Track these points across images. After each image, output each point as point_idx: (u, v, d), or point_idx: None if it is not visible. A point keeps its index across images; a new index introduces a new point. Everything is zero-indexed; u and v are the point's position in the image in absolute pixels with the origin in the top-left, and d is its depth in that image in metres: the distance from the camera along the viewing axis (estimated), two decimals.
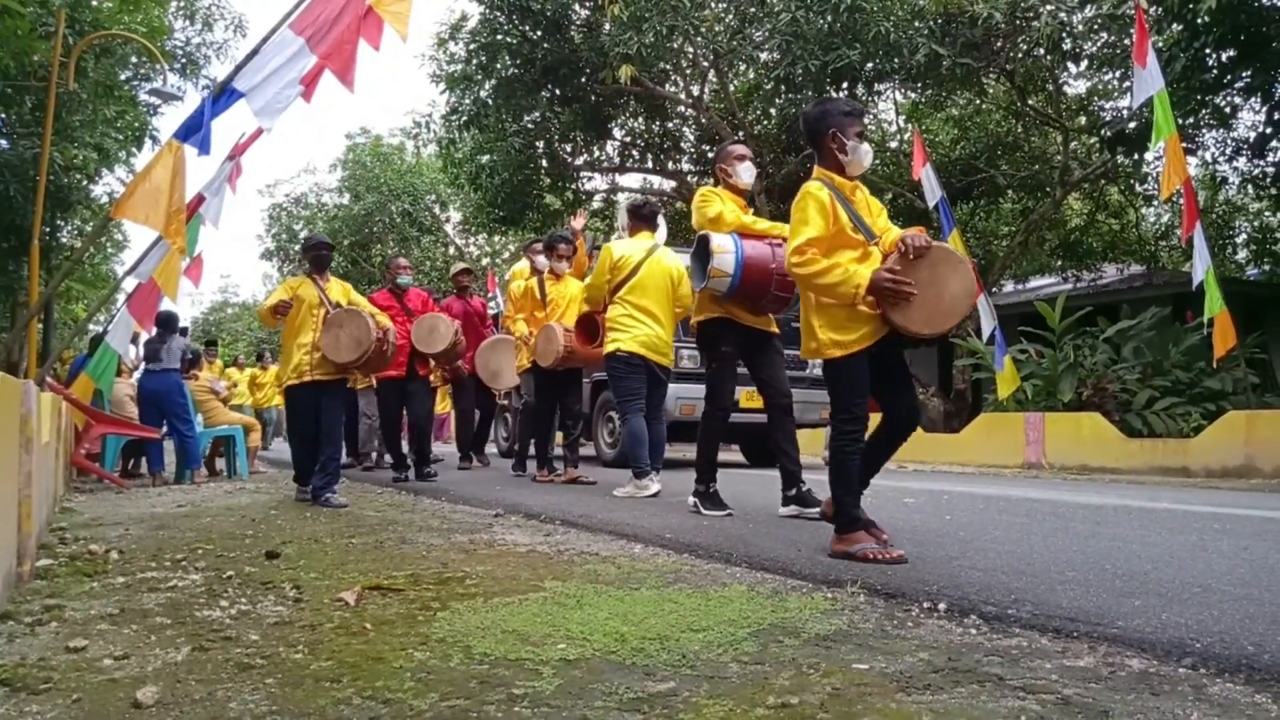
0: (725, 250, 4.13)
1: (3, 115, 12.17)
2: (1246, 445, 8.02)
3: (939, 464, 10.24)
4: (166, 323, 8.00)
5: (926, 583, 2.72)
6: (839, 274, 3.15)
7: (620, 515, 4.50)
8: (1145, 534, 3.85)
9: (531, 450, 7.29)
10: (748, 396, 7.25)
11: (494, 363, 7.66)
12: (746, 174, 4.58)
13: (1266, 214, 17.39)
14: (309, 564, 3.32)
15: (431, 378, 7.66)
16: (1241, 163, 13.20)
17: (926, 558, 3.17)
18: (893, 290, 3.10)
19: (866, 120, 4.17)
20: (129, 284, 7.22)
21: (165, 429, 7.88)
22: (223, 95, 4.74)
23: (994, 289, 14.66)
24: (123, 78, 14.37)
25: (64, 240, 15.49)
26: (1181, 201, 8.75)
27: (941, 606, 2.48)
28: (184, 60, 16.25)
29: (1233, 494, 6.42)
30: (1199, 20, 8.99)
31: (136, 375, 8.64)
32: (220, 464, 9.09)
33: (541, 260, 7.06)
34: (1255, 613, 2.32)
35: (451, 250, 27.20)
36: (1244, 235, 18.18)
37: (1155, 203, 16.28)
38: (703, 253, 4.24)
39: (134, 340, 9.05)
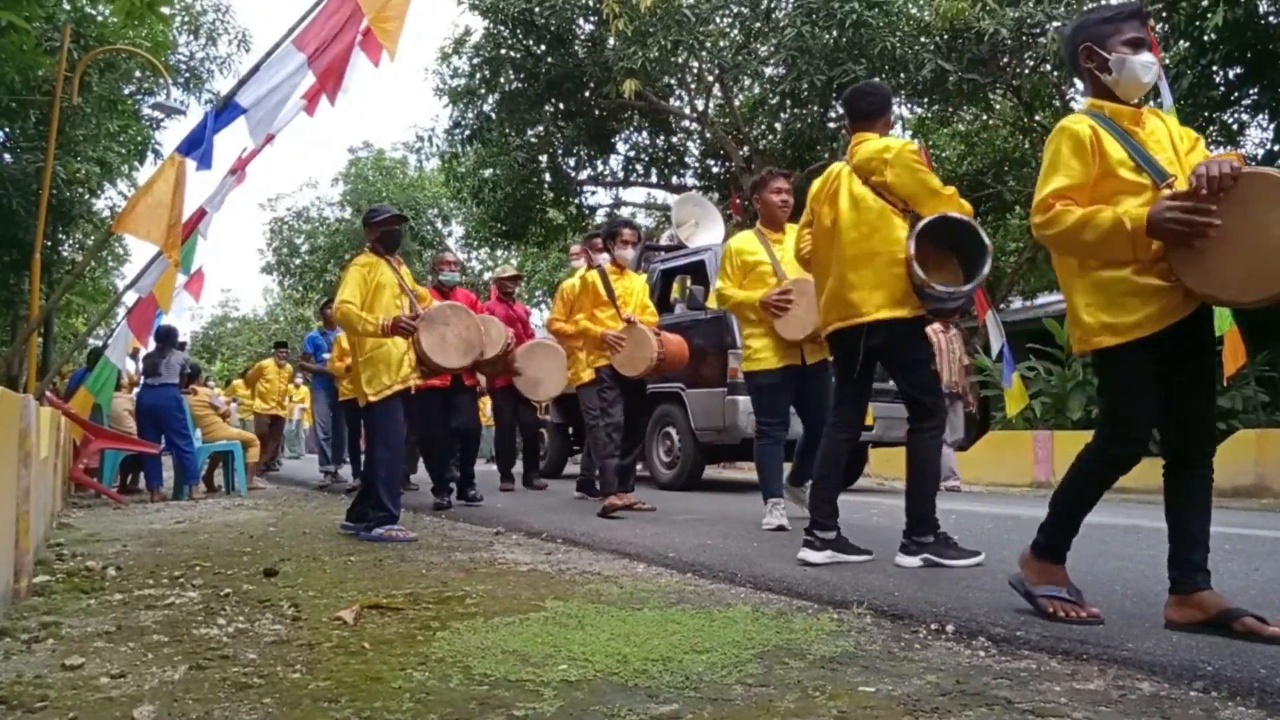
0: (989, 249, 3.30)
1: (6, 129, 12.21)
2: (1257, 464, 7.95)
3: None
4: (166, 337, 7.98)
5: (934, 604, 2.67)
6: (1104, 218, 2.26)
7: (623, 534, 4.45)
8: (1155, 554, 3.78)
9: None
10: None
11: (533, 369, 6.58)
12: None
13: None
14: (307, 582, 3.28)
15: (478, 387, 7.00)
16: None
17: (933, 579, 3.12)
18: (1182, 225, 2.14)
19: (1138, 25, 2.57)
20: (129, 298, 7.20)
21: (164, 444, 7.84)
22: (225, 110, 4.73)
23: (1002, 305, 14.63)
24: (126, 92, 14.43)
25: (65, 254, 15.51)
26: None
27: (949, 628, 2.43)
28: (187, 75, 16.34)
29: (1244, 514, 6.36)
30: (1206, 38, 9.00)
31: (135, 390, 8.62)
32: (219, 479, 9.05)
33: (603, 257, 6.10)
34: None
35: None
36: None
37: None
38: (950, 236, 3.30)
39: (133, 355, 9.04)
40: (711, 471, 9.80)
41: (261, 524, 5.45)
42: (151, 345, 7.81)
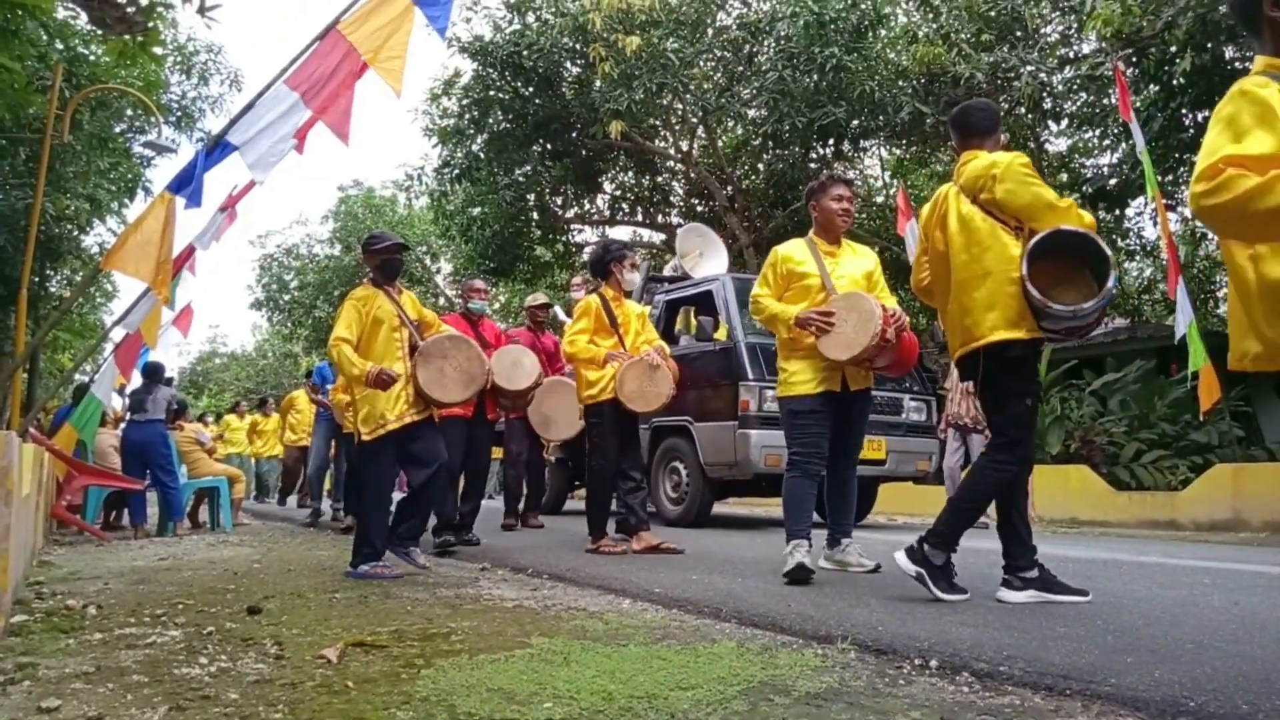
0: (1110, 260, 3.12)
1: None
2: (1234, 499, 8.03)
3: (928, 516, 10.18)
4: (153, 373, 7.97)
5: (917, 639, 2.69)
6: None
7: (608, 570, 4.45)
8: (1136, 589, 3.83)
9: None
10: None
11: (547, 406, 6.25)
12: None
13: None
14: (291, 620, 3.26)
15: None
16: None
17: (917, 613, 3.14)
18: None
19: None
20: (117, 334, 7.20)
21: (148, 480, 7.78)
22: (216, 149, 4.79)
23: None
24: (118, 130, 14.51)
25: (53, 290, 15.48)
26: (1164, 257, 8.90)
27: (933, 664, 2.45)
28: (179, 113, 16.47)
29: (1222, 548, 6.41)
30: (1175, 82, 9.25)
31: (121, 426, 8.56)
32: (204, 515, 8.97)
33: (633, 276, 5.71)
34: (1249, 670, 2.30)
35: (442, 301, 27.29)
36: (1224, 290, 18.43)
37: (1137, 257, 16.53)
38: (1073, 249, 3.14)
39: (120, 391, 8.99)
40: (720, 508, 9.57)
41: (246, 560, 5.40)
42: (138, 381, 7.78)
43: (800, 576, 3.82)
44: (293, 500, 12.30)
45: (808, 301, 4.05)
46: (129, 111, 14.37)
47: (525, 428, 6.83)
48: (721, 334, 7.23)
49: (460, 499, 6.19)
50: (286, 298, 26.22)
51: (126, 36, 6.89)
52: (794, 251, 4.19)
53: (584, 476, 8.43)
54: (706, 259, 8.91)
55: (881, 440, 7.11)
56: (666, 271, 8.98)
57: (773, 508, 10.64)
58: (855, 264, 4.22)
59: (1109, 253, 3.13)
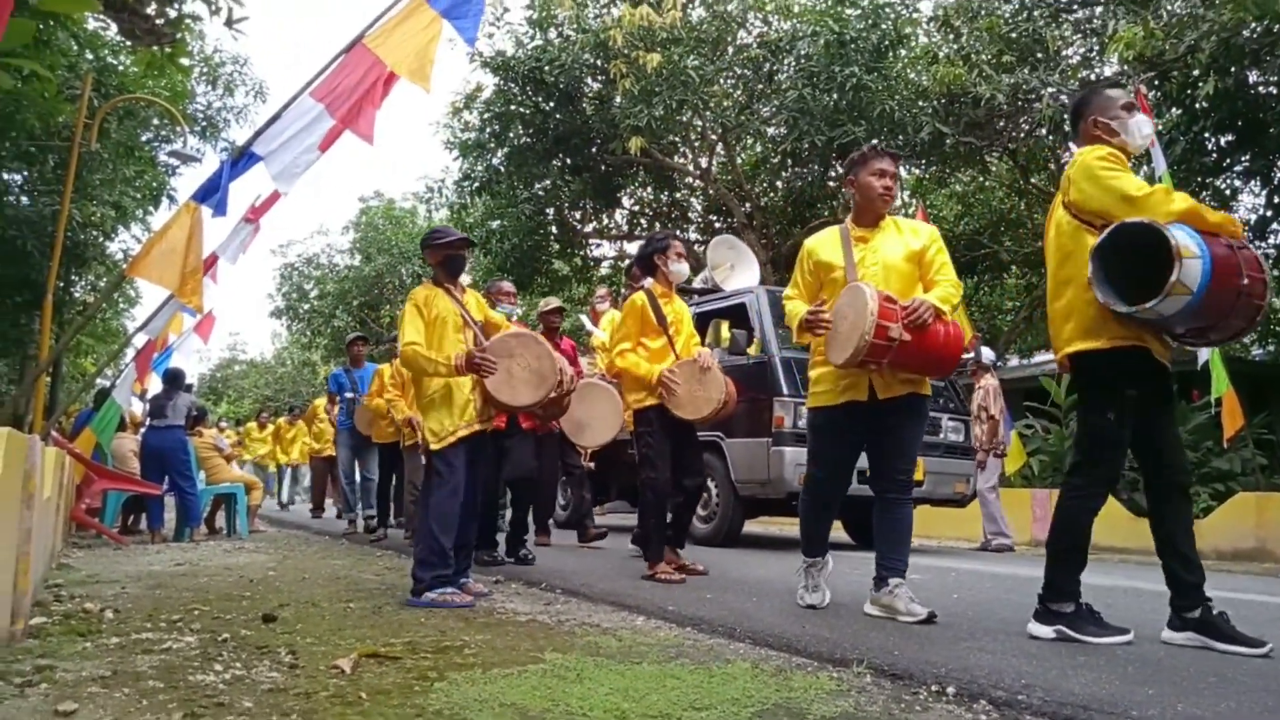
0: (1192, 253, 2.71)
1: (25, 173, 12.44)
2: (1258, 528, 7.92)
3: (944, 538, 10.10)
4: (174, 379, 8.05)
5: (934, 664, 2.66)
6: None
7: (622, 586, 4.44)
8: (1157, 618, 3.77)
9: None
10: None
11: (580, 411, 5.88)
12: (1140, 132, 3.15)
13: (1270, 295, 17.51)
14: (306, 628, 3.27)
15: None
16: None
17: (934, 638, 3.11)
18: None
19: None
20: (139, 340, 7.29)
21: (166, 485, 7.84)
22: (241, 159, 4.85)
23: (999, 363, 14.69)
24: (144, 139, 14.73)
25: (77, 295, 15.68)
26: None
27: (950, 690, 2.42)
28: (204, 123, 16.69)
29: (1246, 578, 6.32)
30: (1198, 105, 9.22)
31: (141, 431, 8.64)
32: (220, 522, 9.02)
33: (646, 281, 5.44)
34: (1274, 705, 2.26)
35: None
36: None
37: None
38: (1121, 253, 2.87)
39: (140, 396, 9.08)
40: (752, 527, 9.33)
41: (261, 568, 5.42)
42: (158, 387, 7.86)
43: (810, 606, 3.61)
44: (330, 512, 12.04)
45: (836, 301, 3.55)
46: (155, 121, 14.58)
47: (557, 442, 6.61)
48: (754, 348, 7.10)
49: (510, 515, 5.98)
50: (306, 307, 26.43)
51: (155, 48, 7.00)
52: (822, 243, 3.69)
53: (610, 489, 8.22)
54: (738, 271, 8.67)
55: (919, 461, 6.99)
56: (696, 283, 8.76)
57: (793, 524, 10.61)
58: (895, 245, 3.57)
59: (1172, 239, 2.71)
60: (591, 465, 7.53)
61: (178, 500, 7.92)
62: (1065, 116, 11.04)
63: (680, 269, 5.01)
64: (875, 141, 3.55)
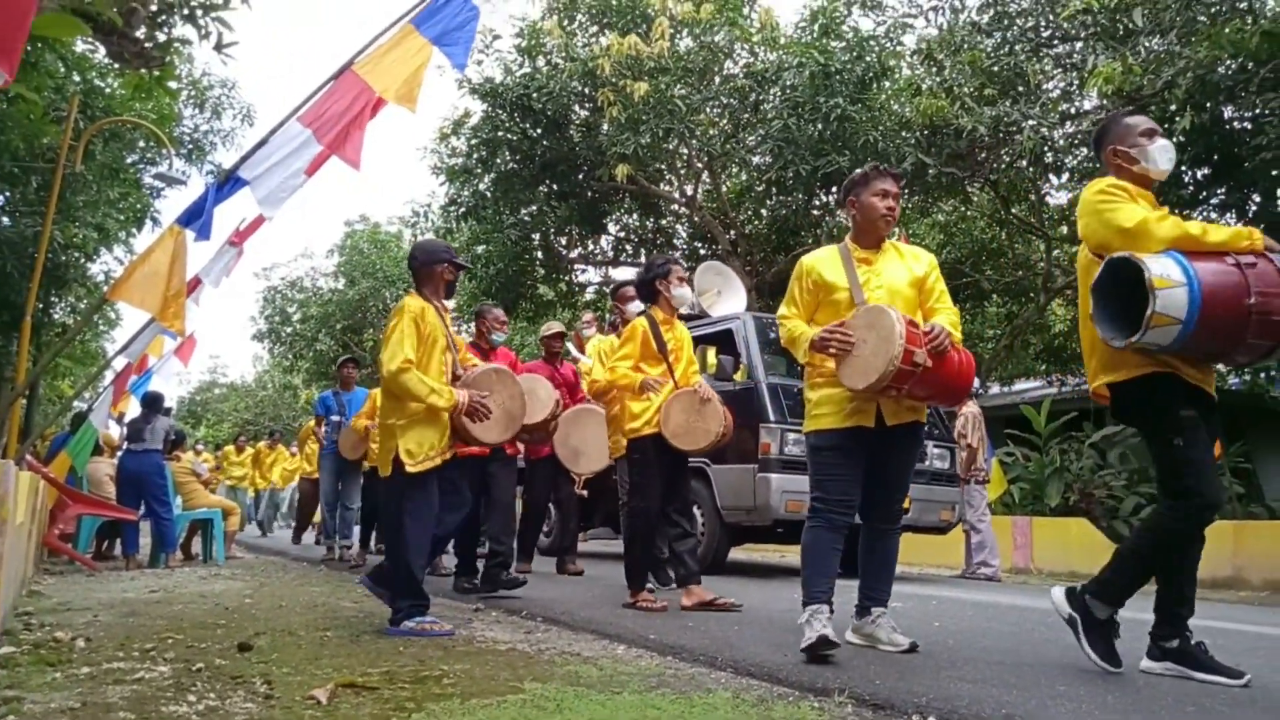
0: (1172, 282, 2.69)
1: (7, 194, 12.36)
2: (1234, 556, 7.98)
3: (925, 566, 10.11)
4: (152, 403, 7.97)
5: (915, 694, 2.65)
6: None
7: (603, 614, 4.41)
8: (1137, 647, 3.78)
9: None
10: None
11: (575, 438, 5.93)
12: (1163, 157, 3.11)
13: None
14: (282, 658, 3.22)
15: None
16: None
17: (915, 666, 3.10)
18: None
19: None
20: (119, 363, 7.22)
21: (142, 510, 7.73)
22: (227, 183, 4.85)
23: (980, 391, 14.80)
24: (129, 161, 14.68)
25: (56, 317, 15.54)
26: None
27: (931, 719, 2.42)
28: (190, 146, 16.66)
29: (1224, 606, 6.35)
30: (1175, 139, 9.37)
31: (118, 454, 8.53)
32: (196, 547, 8.90)
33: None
34: None
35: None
36: None
37: None
38: (1120, 286, 2.84)
39: (119, 419, 8.98)
40: (737, 554, 9.27)
41: (237, 595, 5.35)
42: (136, 410, 7.78)
43: (822, 652, 3.12)
44: (308, 537, 11.88)
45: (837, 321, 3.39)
46: (141, 143, 14.55)
47: (549, 467, 6.50)
48: (741, 374, 7.11)
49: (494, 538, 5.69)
50: (289, 330, 26.29)
51: (143, 71, 7.01)
52: (822, 261, 3.51)
53: (595, 516, 8.12)
54: (725, 297, 8.68)
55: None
56: (683, 310, 8.74)
57: (789, 554, 10.57)
58: (898, 270, 3.46)
59: (1146, 272, 2.70)
60: (585, 493, 7.42)
61: (153, 526, 7.81)
62: (1046, 149, 11.25)
63: (683, 294, 4.93)
64: (877, 163, 3.28)
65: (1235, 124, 9.72)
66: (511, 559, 5.59)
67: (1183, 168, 10.26)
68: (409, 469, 3.82)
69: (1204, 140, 9.49)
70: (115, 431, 9.62)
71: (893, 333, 3.09)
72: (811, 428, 3.46)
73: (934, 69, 11.89)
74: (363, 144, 4.70)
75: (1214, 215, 11.86)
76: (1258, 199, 10.12)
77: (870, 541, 3.52)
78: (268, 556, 9.60)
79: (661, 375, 4.70)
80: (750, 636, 3.74)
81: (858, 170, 3.63)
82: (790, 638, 3.67)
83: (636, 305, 5.53)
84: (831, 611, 3.28)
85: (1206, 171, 10.40)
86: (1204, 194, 10.76)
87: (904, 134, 11.71)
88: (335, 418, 8.08)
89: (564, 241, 16.73)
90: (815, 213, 14.29)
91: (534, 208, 15.06)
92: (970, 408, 8.38)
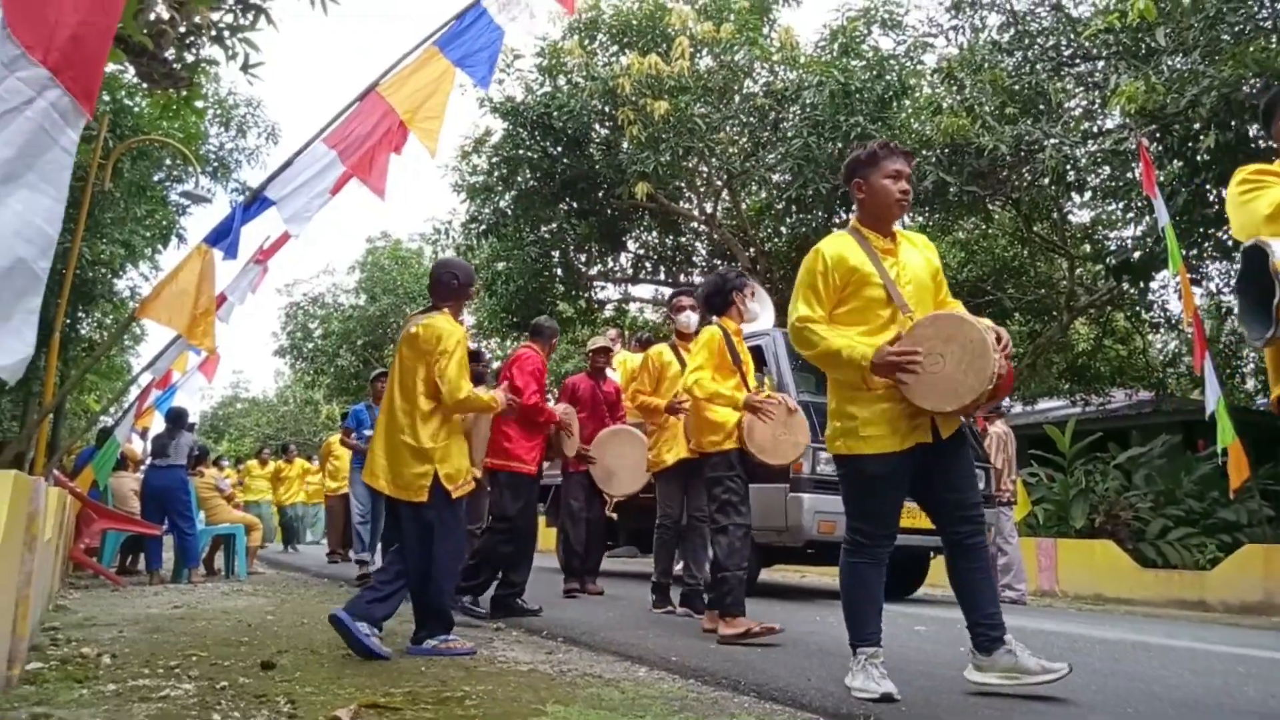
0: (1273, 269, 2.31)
1: None
2: (1266, 580, 7.83)
3: (949, 589, 9.98)
4: (177, 419, 8.05)
5: (942, 719, 2.62)
6: None
7: (624, 635, 4.39)
8: (1166, 674, 3.72)
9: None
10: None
11: (610, 458, 5.79)
12: None
13: None
14: (305, 676, 3.23)
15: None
16: None
17: (940, 691, 3.06)
18: None
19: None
20: (145, 379, 7.31)
21: (165, 525, 7.80)
22: (254, 203, 4.90)
23: (1004, 410, 14.67)
24: (156, 178, 14.92)
25: (83, 332, 15.75)
26: (1191, 331, 8.86)
27: None
28: (216, 164, 16.92)
29: (1255, 633, 6.23)
30: (1199, 158, 9.31)
31: (142, 469, 8.62)
32: (219, 562, 8.96)
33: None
34: None
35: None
36: (1251, 365, 18.29)
37: (1162, 330, 16.45)
38: (1263, 277, 2.41)
39: (143, 434, 9.06)
40: (767, 575, 8.99)
41: (260, 611, 5.37)
42: (160, 425, 7.86)
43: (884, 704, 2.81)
44: (317, 550, 11.82)
45: (871, 323, 2.98)
46: (168, 161, 14.78)
47: (585, 480, 6.29)
48: (769, 388, 6.97)
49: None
50: (310, 346, 26.51)
51: (171, 91, 7.12)
52: (844, 249, 3.06)
53: (619, 534, 7.81)
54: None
55: None
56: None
57: (809, 574, 10.48)
58: (918, 260, 3.14)
59: (1273, 256, 2.28)
60: (615, 515, 7.21)
61: (176, 541, 7.88)
62: (1068, 167, 11.19)
63: (755, 308, 4.75)
64: (885, 140, 2.89)
65: (1260, 142, 9.63)
66: (524, 588, 5.35)
67: (1207, 186, 10.17)
68: (453, 494, 3.86)
69: (1229, 158, 9.40)
70: (138, 446, 9.71)
71: (985, 347, 2.76)
72: (860, 450, 2.98)
73: (954, 88, 11.86)
74: (387, 170, 4.74)
75: None
76: None
77: (965, 560, 3.05)
78: (289, 572, 9.64)
79: (735, 387, 4.45)
80: (775, 659, 3.71)
81: (862, 148, 3.20)
82: (814, 662, 3.64)
83: (689, 316, 5.43)
84: (883, 655, 3.03)
85: None
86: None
87: (925, 152, 11.68)
88: (368, 432, 8.03)
89: (584, 259, 16.80)
90: (834, 230, 14.28)
91: (554, 225, 15.14)
92: (998, 427, 8.29)
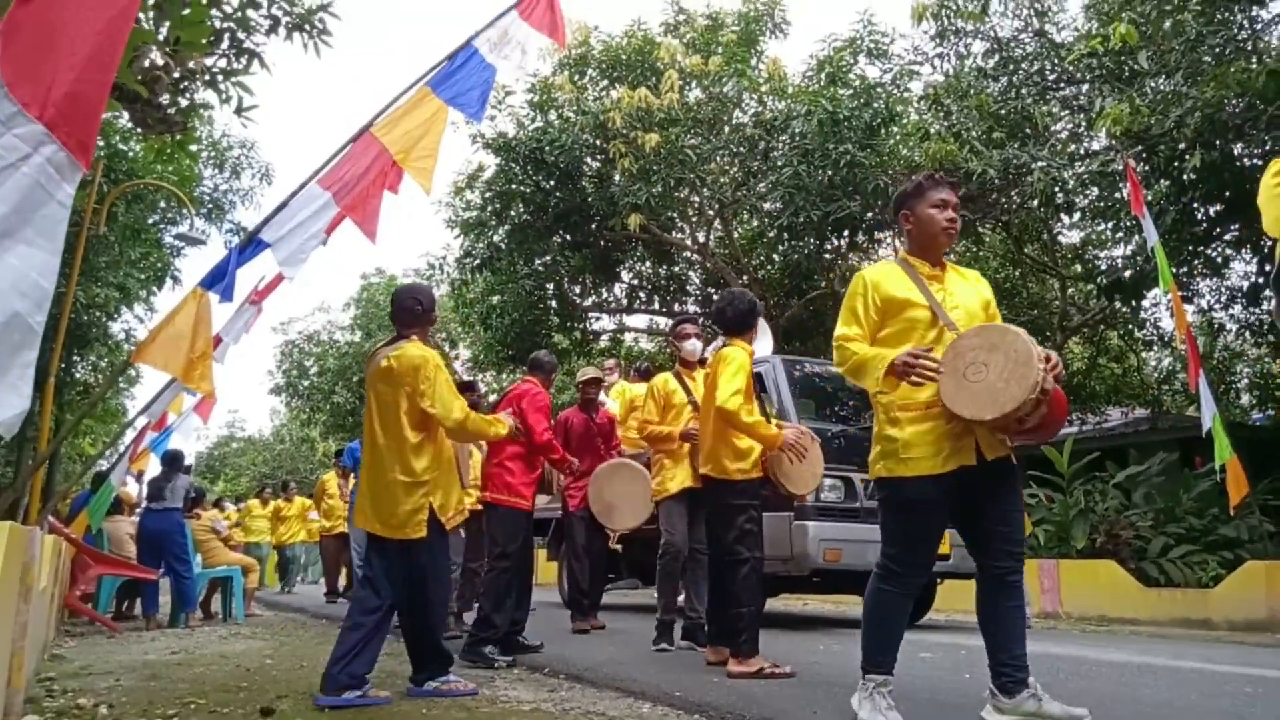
0: None
1: None
2: (1269, 597, 7.79)
3: (953, 613, 9.92)
4: (173, 461, 8.01)
5: None
6: None
7: (626, 670, 4.34)
8: (1174, 697, 3.69)
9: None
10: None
11: (609, 492, 5.74)
12: None
13: (1266, 360, 17.62)
14: None
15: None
16: (1237, 310, 13.50)
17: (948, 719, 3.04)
18: None
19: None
20: (140, 423, 7.28)
21: (162, 569, 7.74)
22: (249, 246, 4.92)
23: None
24: (150, 221, 14.99)
25: (79, 375, 15.73)
26: (1184, 348, 8.90)
27: None
28: (210, 205, 17.01)
29: (1260, 651, 6.19)
30: (1185, 177, 9.41)
31: (138, 513, 8.57)
32: (215, 605, 8.87)
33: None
34: None
35: None
36: (1245, 380, 18.35)
37: (1155, 347, 16.51)
38: None
39: (138, 477, 9.02)
40: (772, 604, 9.10)
41: (258, 655, 5.32)
42: (156, 468, 7.83)
43: None
44: (315, 590, 11.74)
45: (916, 344, 2.93)
46: (162, 204, 14.87)
47: (587, 515, 6.19)
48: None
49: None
50: (306, 383, 26.46)
51: (166, 135, 7.17)
52: (888, 277, 3.08)
53: (620, 566, 7.72)
54: (754, 341, 8.72)
55: (946, 534, 6.68)
56: (707, 354, 8.61)
57: (812, 602, 10.41)
58: (970, 292, 3.11)
59: None
60: (619, 548, 7.06)
61: (173, 585, 7.81)
62: (1056, 189, 11.31)
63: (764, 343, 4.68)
64: (932, 171, 2.86)
65: (1245, 161, 9.75)
66: (524, 625, 5.26)
67: (1194, 204, 10.28)
68: (446, 525, 3.81)
69: (1215, 177, 9.52)
70: (134, 489, 9.65)
71: (1030, 356, 2.72)
72: (900, 473, 2.89)
73: (941, 114, 12.01)
74: (379, 213, 4.77)
75: (1228, 251, 11.85)
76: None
77: (1000, 596, 2.92)
78: (287, 613, 9.55)
79: (753, 417, 4.25)
80: (780, 693, 3.67)
81: (909, 182, 3.26)
82: (820, 694, 3.61)
83: (694, 343, 5.41)
84: (892, 685, 2.97)
85: (1219, 208, 10.41)
86: (1217, 230, 10.76)
87: (913, 178, 11.81)
88: None
89: (578, 290, 16.88)
90: (827, 256, 14.36)
91: (548, 258, 15.22)
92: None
